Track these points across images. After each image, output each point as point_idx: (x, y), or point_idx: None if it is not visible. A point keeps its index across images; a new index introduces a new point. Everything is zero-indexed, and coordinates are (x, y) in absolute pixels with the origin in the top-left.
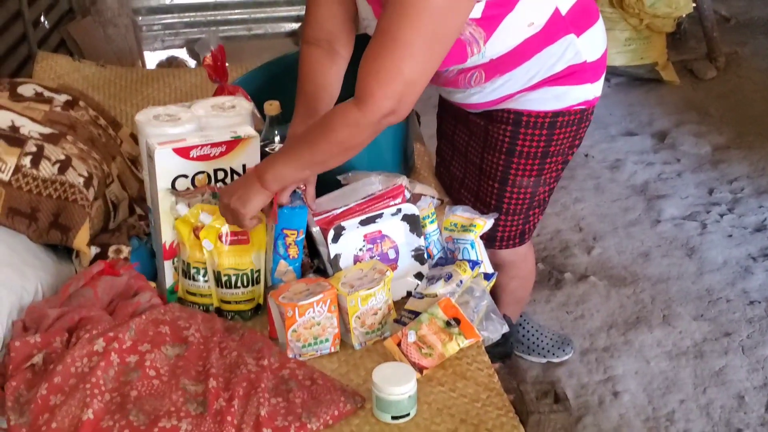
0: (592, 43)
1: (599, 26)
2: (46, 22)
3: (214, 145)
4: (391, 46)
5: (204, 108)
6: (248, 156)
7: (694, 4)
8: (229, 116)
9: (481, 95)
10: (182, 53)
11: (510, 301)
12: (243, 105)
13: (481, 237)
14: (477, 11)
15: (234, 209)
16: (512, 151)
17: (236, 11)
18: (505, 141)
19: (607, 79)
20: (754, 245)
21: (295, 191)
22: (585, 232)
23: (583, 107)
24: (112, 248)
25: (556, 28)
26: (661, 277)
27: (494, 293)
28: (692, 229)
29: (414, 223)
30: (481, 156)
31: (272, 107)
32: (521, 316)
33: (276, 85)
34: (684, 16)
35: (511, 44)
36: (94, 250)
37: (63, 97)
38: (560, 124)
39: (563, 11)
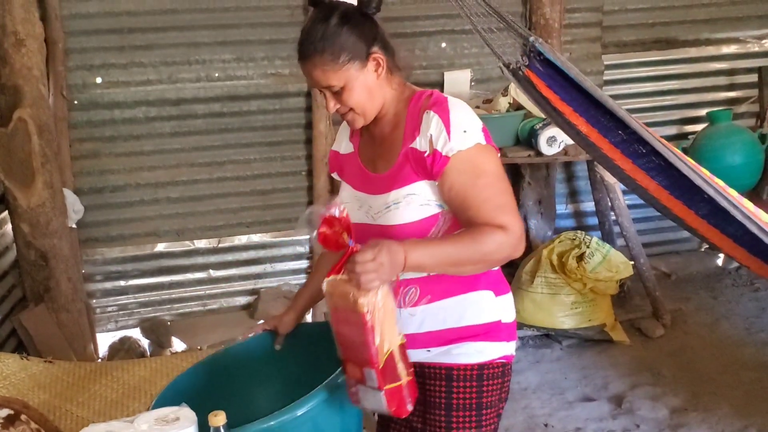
0: (505, 307)
1: (510, 297)
2: None
3: None
4: (488, 190)
5: (147, 422)
6: None
7: (633, 263)
8: (173, 429)
9: (410, 323)
10: (135, 333)
11: None
12: (187, 416)
13: None
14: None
15: (381, 272)
16: (449, 405)
17: (191, 289)
18: (441, 396)
19: (558, 342)
20: None
21: None
22: None
23: (503, 361)
24: None
25: (479, 278)
26: None
27: None
28: None
29: None
30: (423, 418)
31: (217, 418)
32: None
33: (220, 382)
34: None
35: None
36: None
37: (4, 413)
38: (487, 376)
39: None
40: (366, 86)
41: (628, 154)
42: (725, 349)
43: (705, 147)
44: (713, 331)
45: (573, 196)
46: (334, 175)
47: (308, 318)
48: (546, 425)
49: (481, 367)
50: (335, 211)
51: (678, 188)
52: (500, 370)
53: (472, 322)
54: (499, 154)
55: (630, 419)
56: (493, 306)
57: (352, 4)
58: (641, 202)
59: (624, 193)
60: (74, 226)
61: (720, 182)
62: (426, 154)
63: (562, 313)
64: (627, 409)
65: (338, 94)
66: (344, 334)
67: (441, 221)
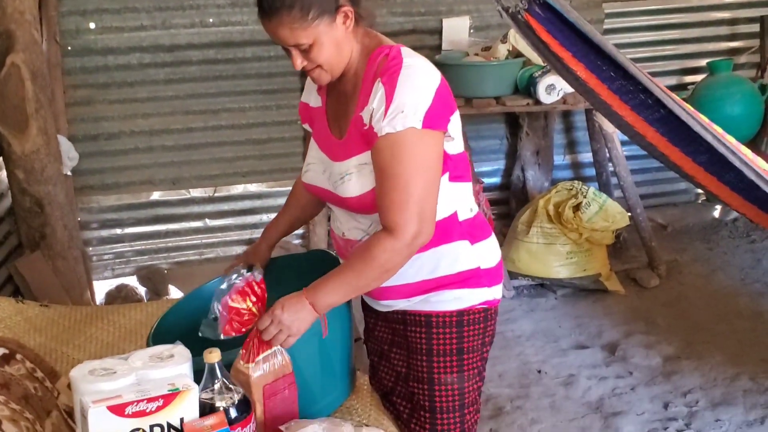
0: (485, 253)
1: (492, 240)
2: None
3: (150, 399)
4: (394, 181)
5: (142, 359)
6: (186, 409)
7: (629, 214)
8: (168, 366)
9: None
10: (132, 281)
11: None
12: (182, 354)
13: None
14: None
15: (287, 327)
16: (430, 350)
17: (187, 237)
18: (422, 342)
19: (553, 291)
20: None
21: None
22: None
23: (485, 307)
24: None
25: (452, 229)
26: None
27: None
28: None
29: None
30: (407, 363)
31: (212, 355)
32: None
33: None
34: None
35: None
36: None
37: None
38: (467, 322)
39: (460, 218)
40: (335, 41)
41: (626, 101)
42: (720, 299)
43: (704, 97)
44: (708, 281)
45: (571, 147)
46: (305, 126)
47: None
48: (539, 371)
49: (460, 313)
50: (255, 277)
51: (676, 135)
52: (481, 316)
53: (447, 272)
54: (447, 134)
55: (623, 366)
56: (470, 254)
57: None
58: (639, 153)
59: (622, 143)
60: (69, 173)
61: (719, 129)
62: (365, 128)
63: (558, 262)
64: (620, 356)
65: (306, 52)
66: (275, 407)
67: None
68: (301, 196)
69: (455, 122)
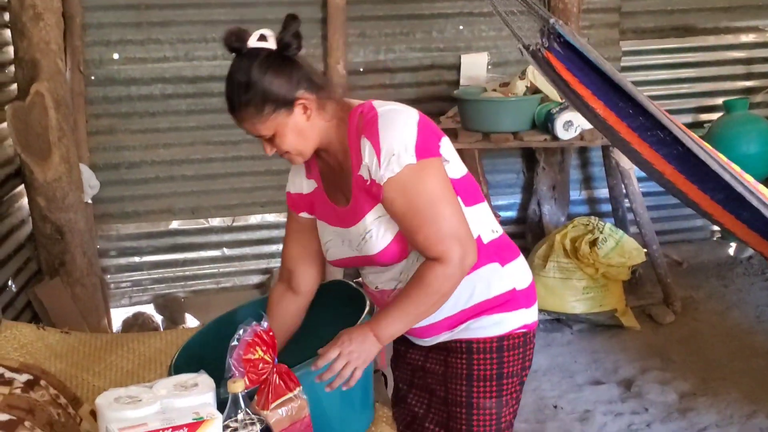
0: (517, 273)
1: (521, 260)
2: (13, 286)
3: (175, 428)
4: (419, 217)
5: (166, 387)
6: None
7: (645, 250)
8: (192, 395)
9: None
10: (149, 308)
11: None
12: (206, 383)
13: None
14: None
15: (356, 359)
16: (470, 376)
17: (204, 266)
18: (463, 368)
19: (569, 326)
20: None
21: None
22: None
23: (524, 331)
24: None
25: (479, 253)
26: None
27: None
28: None
29: None
30: (445, 387)
31: (236, 385)
32: None
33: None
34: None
35: None
36: None
37: (24, 377)
38: (507, 347)
39: (485, 240)
40: (296, 130)
41: (645, 139)
42: (735, 336)
43: (720, 136)
44: (724, 318)
45: (587, 182)
46: (303, 215)
47: None
48: (555, 407)
49: (501, 339)
50: (262, 326)
51: (694, 173)
52: (521, 340)
53: (483, 297)
54: (442, 158)
55: (639, 402)
56: (502, 276)
57: (272, 50)
58: (655, 189)
59: (639, 180)
60: (90, 201)
61: (736, 168)
62: (367, 183)
63: (574, 297)
64: (636, 392)
65: (271, 140)
66: None
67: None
68: (277, 308)
69: (446, 146)
